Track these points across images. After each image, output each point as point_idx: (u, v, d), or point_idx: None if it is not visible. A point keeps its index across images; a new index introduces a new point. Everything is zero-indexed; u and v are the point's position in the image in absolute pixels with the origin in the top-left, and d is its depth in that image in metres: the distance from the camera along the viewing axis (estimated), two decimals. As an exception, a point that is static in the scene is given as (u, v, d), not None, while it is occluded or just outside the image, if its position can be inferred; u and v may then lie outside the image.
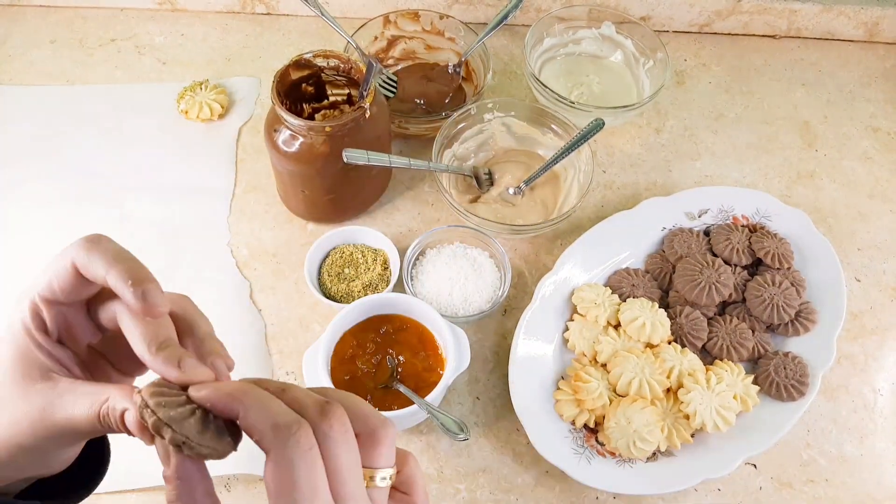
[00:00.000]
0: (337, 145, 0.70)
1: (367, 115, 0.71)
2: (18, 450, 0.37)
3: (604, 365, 0.71)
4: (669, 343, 0.72)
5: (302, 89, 0.76)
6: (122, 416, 0.35)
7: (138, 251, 0.85)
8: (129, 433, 0.35)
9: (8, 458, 0.37)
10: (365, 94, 0.70)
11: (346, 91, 0.77)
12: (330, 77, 0.76)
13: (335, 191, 0.77)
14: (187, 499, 0.33)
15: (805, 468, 0.69)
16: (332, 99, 0.78)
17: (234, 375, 0.67)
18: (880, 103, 0.96)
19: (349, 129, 0.70)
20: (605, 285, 0.76)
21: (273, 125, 0.72)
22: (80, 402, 0.36)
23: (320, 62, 0.74)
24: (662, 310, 0.72)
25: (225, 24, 0.99)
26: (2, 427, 0.37)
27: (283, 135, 0.71)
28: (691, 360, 0.69)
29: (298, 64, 0.73)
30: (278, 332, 0.74)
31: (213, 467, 0.70)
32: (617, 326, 0.72)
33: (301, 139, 0.70)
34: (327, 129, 0.69)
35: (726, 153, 0.90)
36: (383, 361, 0.67)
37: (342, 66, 0.74)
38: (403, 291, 0.74)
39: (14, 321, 0.37)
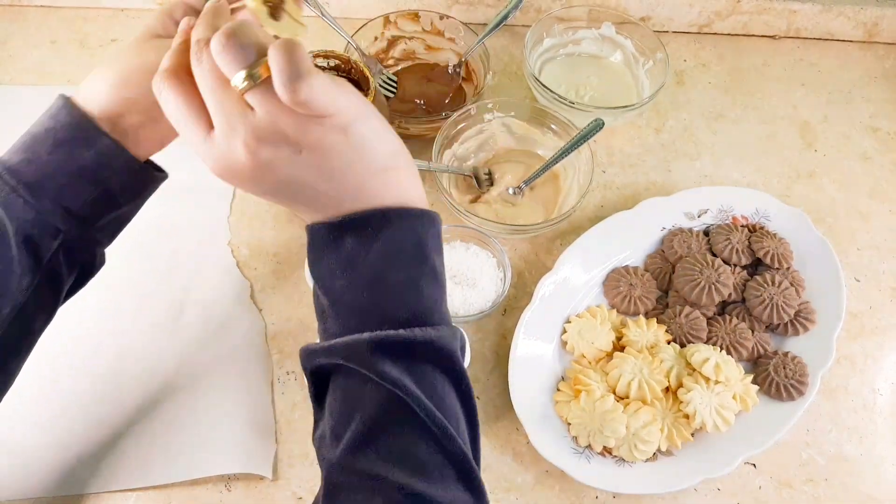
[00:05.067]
0: None
1: None
2: (128, 104, 0.50)
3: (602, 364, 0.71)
4: (669, 343, 0.72)
5: None
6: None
7: (138, 251, 0.85)
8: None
9: (123, 111, 0.50)
10: (365, 94, 0.70)
11: None
12: None
13: None
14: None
15: (804, 468, 0.70)
16: None
17: (235, 374, 0.67)
18: (880, 103, 0.96)
19: None
20: (603, 283, 0.77)
21: None
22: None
23: (320, 62, 0.74)
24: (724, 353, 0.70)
25: (225, 24, 0.99)
26: (118, 78, 0.50)
27: None
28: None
29: None
30: (279, 332, 0.74)
31: (214, 467, 0.70)
32: (622, 349, 0.72)
33: None
34: None
35: (726, 153, 0.91)
36: (383, 361, 0.67)
37: (342, 66, 0.74)
38: (403, 291, 0.74)
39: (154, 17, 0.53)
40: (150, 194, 0.56)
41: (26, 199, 0.48)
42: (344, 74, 0.75)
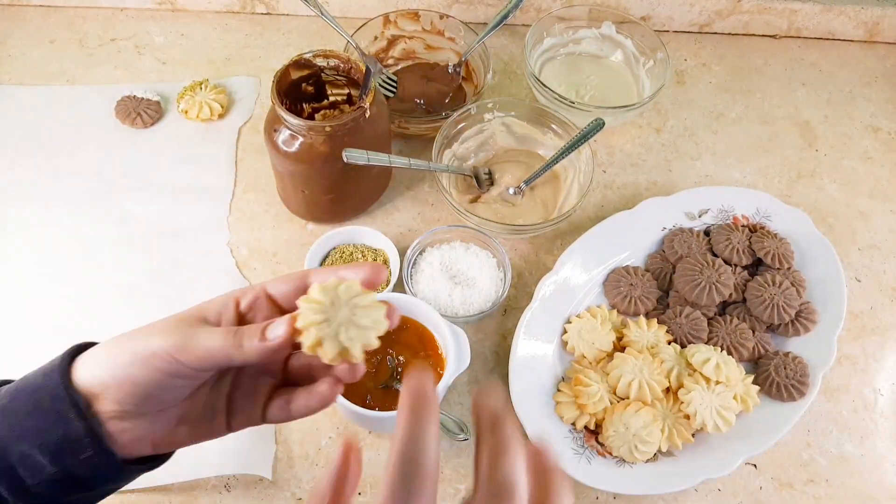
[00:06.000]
0: (337, 145, 0.70)
1: (366, 115, 0.71)
2: (133, 387, 0.41)
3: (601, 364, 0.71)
4: (669, 343, 0.72)
5: (302, 89, 0.76)
6: (263, 331, 0.40)
7: (138, 251, 0.85)
8: (268, 349, 0.40)
9: (114, 393, 0.41)
10: (365, 94, 0.70)
11: (346, 91, 0.77)
12: (330, 77, 0.76)
13: (335, 191, 0.76)
14: None
15: (805, 468, 0.69)
16: (332, 99, 0.78)
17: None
18: (880, 103, 0.96)
19: (349, 128, 0.70)
20: (604, 283, 0.76)
21: (273, 125, 0.72)
22: (217, 333, 0.41)
23: (320, 62, 0.74)
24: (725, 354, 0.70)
25: (225, 23, 0.99)
26: (124, 357, 0.41)
27: (283, 134, 0.71)
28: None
29: (298, 64, 0.73)
30: (278, 332, 0.74)
31: (214, 468, 0.70)
32: (623, 350, 0.72)
33: (301, 139, 0.70)
34: (327, 128, 0.69)
35: (726, 153, 0.90)
36: (383, 361, 0.67)
37: (342, 65, 0.74)
38: (403, 291, 0.74)
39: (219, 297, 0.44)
40: (126, 483, 0.46)
41: None
42: (344, 75, 0.75)
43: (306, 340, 0.38)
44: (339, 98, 0.78)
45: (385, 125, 0.76)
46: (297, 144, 0.71)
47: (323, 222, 0.81)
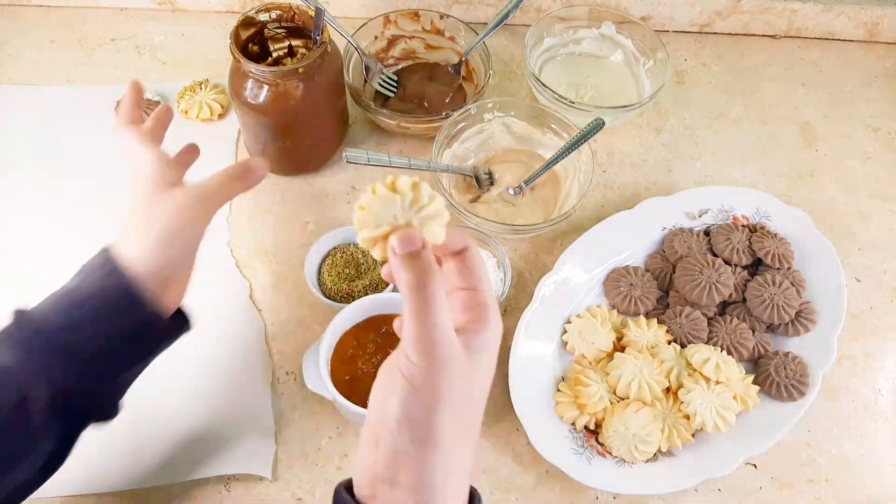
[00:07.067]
0: (310, 86, 0.73)
1: (328, 50, 0.73)
2: (171, 263, 0.55)
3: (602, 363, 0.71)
4: (669, 343, 0.72)
5: (249, 50, 0.77)
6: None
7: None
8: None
9: (165, 270, 0.54)
10: (319, 32, 0.72)
11: (287, 43, 0.79)
12: (271, 32, 0.77)
13: (315, 134, 0.80)
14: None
15: (805, 468, 0.69)
16: (275, 55, 0.80)
17: (234, 374, 0.68)
18: (880, 103, 0.96)
19: (318, 66, 0.73)
20: (604, 283, 0.76)
21: (240, 85, 0.74)
22: (217, 176, 0.59)
23: (262, 17, 0.75)
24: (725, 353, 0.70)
25: (225, 24, 0.99)
26: (162, 240, 0.54)
27: (259, 91, 0.73)
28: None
29: (246, 23, 0.74)
30: (278, 332, 0.74)
31: (214, 468, 0.69)
32: (623, 350, 0.72)
33: (273, 90, 0.73)
34: (300, 70, 0.71)
35: (726, 153, 0.90)
36: (383, 361, 0.67)
37: (285, 15, 0.75)
38: (403, 291, 0.74)
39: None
40: (171, 343, 0.58)
41: (63, 364, 0.51)
42: (287, 24, 0.76)
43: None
44: (280, 52, 0.80)
45: (339, 63, 0.79)
46: (266, 95, 0.73)
47: (308, 171, 0.84)
